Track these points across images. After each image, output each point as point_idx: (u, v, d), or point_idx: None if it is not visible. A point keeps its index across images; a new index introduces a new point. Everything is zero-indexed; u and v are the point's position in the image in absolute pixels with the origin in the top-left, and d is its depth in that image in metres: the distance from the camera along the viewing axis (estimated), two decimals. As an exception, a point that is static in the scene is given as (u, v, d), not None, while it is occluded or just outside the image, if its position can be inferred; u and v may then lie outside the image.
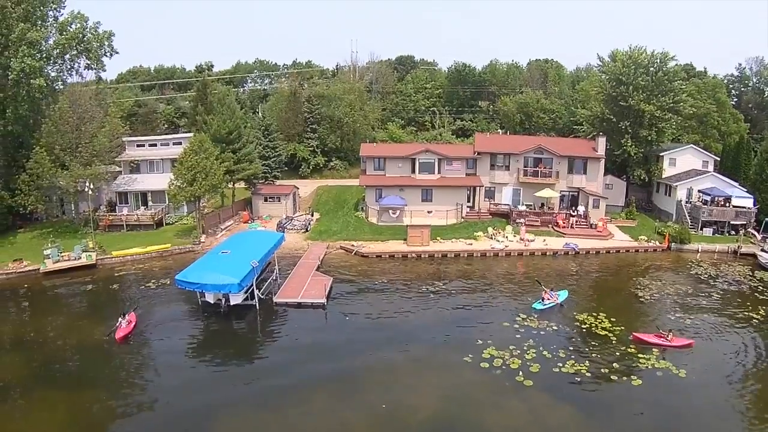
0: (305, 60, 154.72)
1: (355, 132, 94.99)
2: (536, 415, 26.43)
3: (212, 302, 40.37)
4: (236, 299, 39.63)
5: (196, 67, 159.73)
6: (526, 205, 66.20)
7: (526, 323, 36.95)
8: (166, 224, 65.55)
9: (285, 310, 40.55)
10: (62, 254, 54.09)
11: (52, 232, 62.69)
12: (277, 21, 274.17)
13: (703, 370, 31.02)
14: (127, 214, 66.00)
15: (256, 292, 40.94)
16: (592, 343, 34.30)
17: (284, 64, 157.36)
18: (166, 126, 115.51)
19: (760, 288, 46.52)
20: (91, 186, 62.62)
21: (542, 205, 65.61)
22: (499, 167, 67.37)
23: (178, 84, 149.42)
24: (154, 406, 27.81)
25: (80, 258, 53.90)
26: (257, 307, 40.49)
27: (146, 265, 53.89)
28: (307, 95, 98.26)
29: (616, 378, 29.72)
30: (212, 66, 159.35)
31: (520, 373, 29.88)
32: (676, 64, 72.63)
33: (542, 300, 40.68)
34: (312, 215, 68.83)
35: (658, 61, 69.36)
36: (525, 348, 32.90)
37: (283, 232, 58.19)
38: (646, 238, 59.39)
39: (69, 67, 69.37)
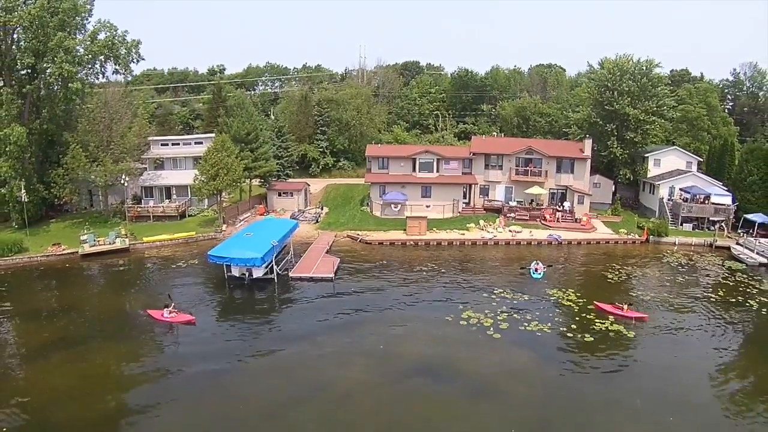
0: (315, 64, 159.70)
1: (362, 134, 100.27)
2: (502, 359, 32.68)
3: (237, 275, 47.08)
4: (258, 272, 46.47)
5: (208, 69, 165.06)
6: (517, 201, 71.78)
7: (502, 295, 43.00)
8: (189, 216, 71.89)
9: (299, 283, 47.06)
10: (97, 240, 60.82)
11: (83, 221, 69.09)
12: (288, 25, 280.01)
13: (650, 333, 36.74)
14: (154, 206, 72.35)
15: (275, 267, 47.68)
16: (557, 310, 40.39)
17: (294, 68, 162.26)
18: (181, 127, 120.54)
19: (725, 274, 51.43)
20: (127, 179, 69.38)
21: (532, 201, 71.11)
22: (493, 167, 73.12)
23: (191, 86, 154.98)
24: (187, 357, 34.37)
25: (115, 243, 60.56)
26: (276, 280, 47.11)
27: (174, 249, 60.64)
28: (317, 99, 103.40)
29: (572, 335, 35.72)
30: (224, 69, 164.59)
31: (492, 329, 36.21)
32: (661, 71, 77.62)
33: (536, 270, 48.43)
34: (322, 209, 74.73)
35: (644, 68, 74.44)
36: (498, 312, 39.12)
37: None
38: (626, 232, 64.37)
39: (97, 71, 76.17)
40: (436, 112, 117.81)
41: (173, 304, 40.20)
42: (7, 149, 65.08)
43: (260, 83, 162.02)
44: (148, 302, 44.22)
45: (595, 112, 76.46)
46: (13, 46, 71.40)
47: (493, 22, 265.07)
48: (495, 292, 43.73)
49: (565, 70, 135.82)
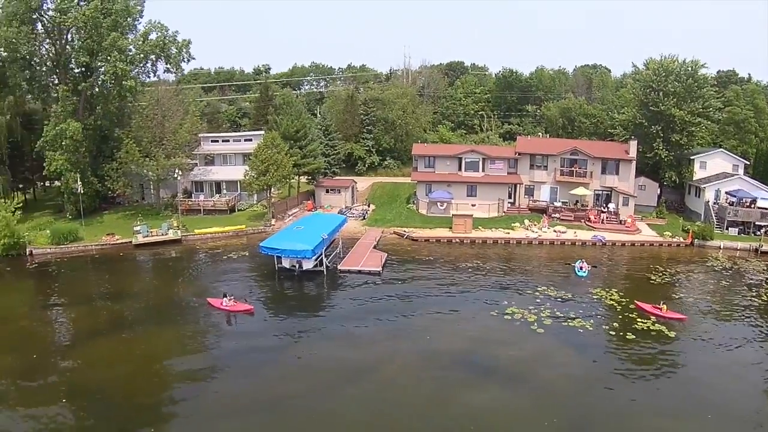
0: (359, 64, 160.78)
1: (407, 133, 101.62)
2: (544, 353, 33.89)
3: (288, 267, 49.12)
4: (308, 264, 48.35)
5: (254, 69, 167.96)
6: (562, 202, 72.13)
7: (546, 293, 43.99)
8: (238, 210, 74.34)
9: (347, 276, 49.01)
10: (150, 231, 64.03)
11: (135, 213, 72.51)
12: (332, 25, 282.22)
13: (690, 335, 37.26)
14: (204, 200, 75.03)
15: (324, 259, 49.76)
16: (600, 309, 41.21)
17: (339, 68, 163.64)
18: (228, 125, 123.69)
19: (769, 280, 50.67)
20: (181, 173, 72.08)
21: (576, 202, 71.44)
22: (538, 167, 73.54)
23: (237, 86, 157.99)
24: (241, 342, 36.68)
25: (167, 234, 63.74)
26: (325, 273, 49.16)
27: (224, 241, 63.50)
28: (363, 98, 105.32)
29: (614, 333, 36.60)
30: (270, 69, 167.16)
31: (535, 324, 37.42)
32: (707, 72, 76.82)
33: (581, 268, 49.43)
34: (368, 206, 76.44)
35: (689, 69, 73.76)
36: (542, 309, 40.24)
37: (344, 217, 66.50)
38: (670, 235, 64.07)
39: (148, 70, 79.25)
40: (481, 113, 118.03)
41: (233, 294, 42.32)
42: (63, 143, 68.58)
43: (305, 83, 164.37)
44: (199, 290, 47.27)
45: (640, 114, 75.96)
46: (68, 46, 75.10)
47: (538, 22, 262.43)
48: (539, 289, 44.78)
49: (610, 71, 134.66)
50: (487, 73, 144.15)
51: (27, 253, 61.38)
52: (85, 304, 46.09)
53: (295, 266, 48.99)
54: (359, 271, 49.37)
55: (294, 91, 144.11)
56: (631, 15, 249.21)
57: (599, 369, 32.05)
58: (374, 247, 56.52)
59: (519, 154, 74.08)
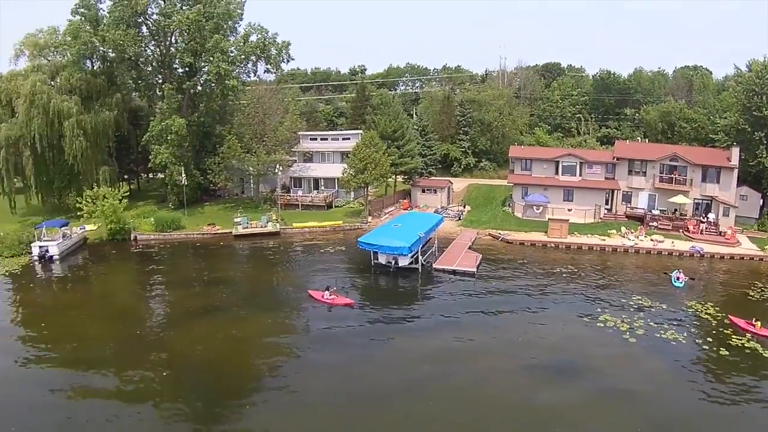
0: (455, 65, 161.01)
1: (503, 135, 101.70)
2: (634, 362, 34.53)
3: (384, 263, 51.51)
4: (404, 261, 50.51)
5: (350, 70, 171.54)
6: (660, 210, 70.75)
7: (640, 302, 44.11)
8: (335, 207, 77.54)
9: (442, 275, 50.96)
10: (250, 222, 68.56)
11: (235, 206, 77.58)
12: (427, 26, 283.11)
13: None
14: (302, 196, 78.82)
15: (420, 258, 51.77)
16: (694, 322, 41.10)
17: (434, 69, 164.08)
18: (325, 124, 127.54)
19: None
20: (281, 169, 75.85)
21: (675, 210, 70.06)
22: (636, 173, 72.33)
23: (333, 86, 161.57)
24: (335, 333, 39.33)
25: (266, 226, 68.01)
26: (420, 270, 51.32)
27: (321, 236, 67.01)
28: (459, 100, 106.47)
29: (707, 347, 36.59)
30: (365, 69, 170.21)
31: (627, 333, 37.93)
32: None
33: (678, 279, 49.11)
34: (464, 207, 77.71)
35: (798, 71, 69.63)
36: (635, 318, 40.58)
37: (439, 217, 68.16)
38: (773, 249, 61.89)
39: (249, 70, 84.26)
40: (578, 115, 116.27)
41: (334, 288, 44.91)
42: (168, 138, 74.10)
43: (401, 83, 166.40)
44: (296, 281, 51.24)
45: (743, 119, 72.41)
46: (172, 47, 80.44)
47: (636, 22, 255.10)
48: (633, 298, 44.94)
49: (711, 73, 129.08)
50: (584, 74, 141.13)
51: (132, 238, 68.31)
52: (184, 287, 51.06)
53: (390, 263, 51.21)
54: (454, 271, 51.05)
55: (390, 92, 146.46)
56: (735, 13, 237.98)
57: (689, 382, 32.28)
58: (469, 248, 58.00)
59: (617, 159, 73.13)
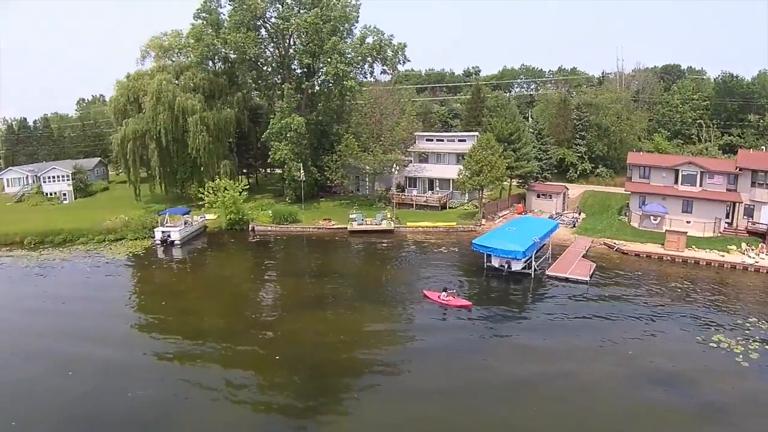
0: (570, 66, 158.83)
1: (621, 141, 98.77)
2: (745, 387, 33.49)
3: (497, 266, 52.48)
4: (516, 266, 51.28)
5: (464, 71, 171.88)
6: (786, 226, 66.82)
7: (757, 325, 42.49)
8: (449, 208, 78.61)
9: (554, 282, 51.47)
10: (365, 219, 71.35)
11: (350, 203, 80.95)
12: (542, 26, 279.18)
13: None
14: (417, 195, 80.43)
15: (533, 263, 52.38)
16: (819, 348, 39.64)
17: (549, 71, 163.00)
18: (439, 125, 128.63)
19: None
20: (397, 168, 77.68)
21: (804, 229, 65.90)
22: (761, 185, 68.25)
23: (447, 87, 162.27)
24: (444, 331, 41.07)
25: (381, 224, 70.63)
26: (532, 276, 52.00)
27: (434, 236, 68.78)
28: (576, 103, 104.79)
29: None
30: (479, 71, 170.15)
31: (741, 356, 36.80)
32: None
33: None
34: (579, 214, 77.00)
35: None
36: (750, 341, 39.25)
37: (554, 223, 68.22)
38: None
39: (365, 71, 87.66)
40: (699, 121, 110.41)
41: (453, 290, 45.80)
42: (287, 135, 78.45)
43: (515, 85, 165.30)
44: (409, 278, 53.78)
45: None
46: (290, 49, 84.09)
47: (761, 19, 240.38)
48: (750, 320, 43.38)
49: None
50: (704, 77, 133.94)
51: (249, 229, 74.41)
52: (297, 277, 55.32)
53: (503, 266, 51.98)
54: (566, 279, 51.38)
55: (505, 93, 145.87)
56: None
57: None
58: (583, 256, 57.96)
59: (740, 169, 69.39)
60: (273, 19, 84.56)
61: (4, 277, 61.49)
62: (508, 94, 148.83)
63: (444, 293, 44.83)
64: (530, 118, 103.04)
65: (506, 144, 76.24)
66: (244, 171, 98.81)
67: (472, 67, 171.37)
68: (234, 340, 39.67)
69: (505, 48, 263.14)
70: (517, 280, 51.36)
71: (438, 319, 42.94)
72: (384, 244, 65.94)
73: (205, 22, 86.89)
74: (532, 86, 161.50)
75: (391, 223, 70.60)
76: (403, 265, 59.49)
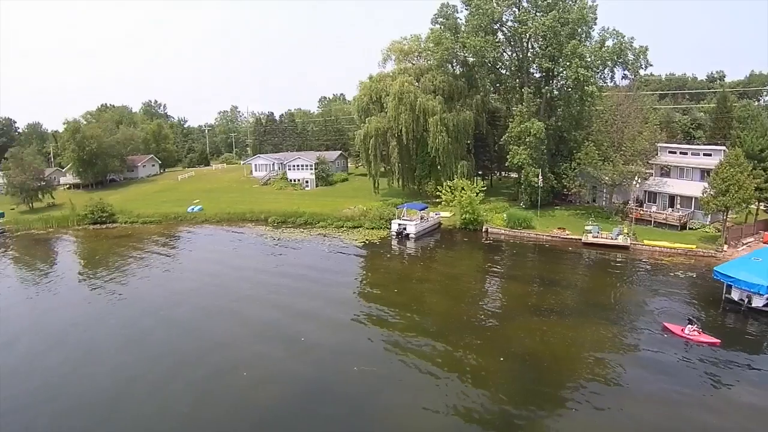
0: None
1: None
2: None
3: (735, 299, 47.17)
4: (758, 302, 45.51)
5: (707, 76, 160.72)
6: None
7: None
8: (689, 228, 73.22)
9: None
10: (600, 232, 69.28)
11: (585, 213, 79.08)
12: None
13: None
14: (656, 212, 76.36)
15: None
16: None
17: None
18: (681, 136, 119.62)
19: None
20: (638, 181, 74.72)
21: None
22: None
23: (689, 94, 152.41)
24: (666, 361, 37.35)
25: (616, 239, 68.05)
26: None
27: (671, 258, 64.24)
28: None
29: None
30: (724, 76, 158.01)
31: None
32: None
33: None
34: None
35: None
36: None
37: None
38: None
39: (605, 76, 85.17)
40: None
41: (697, 325, 41.17)
42: (526, 140, 78.49)
43: (765, 93, 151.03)
44: (638, 299, 51.28)
45: None
46: (528, 53, 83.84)
47: None
48: None
49: None
50: None
51: (483, 230, 75.79)
52: (524, 283, 55.99)
53: (743, 300, 46.69)
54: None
55: (754, 102, 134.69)
56: None
57: None
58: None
59: None
60: (509, 23, 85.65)
61: (251, 249, 74.66)
62: (756, 103, 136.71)
63: (689, 326, 40.71)
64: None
65: (756, 162, 68.60)
66: (480, 173, 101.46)
67: (716, 72, 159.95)
68: (454, 336, 41.90)
69: (752, 50, 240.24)
70: (756, 317, 45.14)
71: (660, 347, 39.37)
72: (617, 260, 63.47)
73: (442, 26, 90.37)
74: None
75: (627, 238, 67.71)
76: (635, 286, 56.35)
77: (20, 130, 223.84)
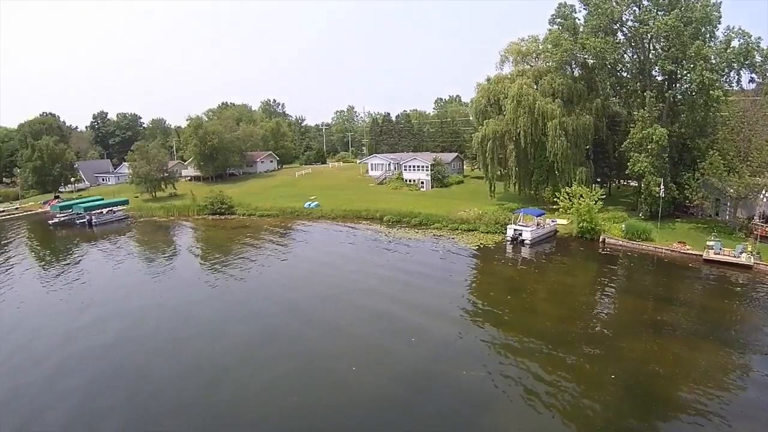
0: None
1: None
2: None
3: None
4: None
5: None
6: None
7: None
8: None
9: None
10: (723, 249, 64.76)
11: (707, 228, 74.54)
12: None
13: None
14: (784, 231, 71.45)
15: None
16: None
17: None
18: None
19: None
20: (766, 195, 70.67)
21: None
22: None
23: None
24: None
25: (739, 257, 63.03)
26: None
27: None
28: None
29: None
30: None
31: None
32: None
33: None
34: None
35: None
36: None
37: None
38: None
39: (731, 79, 79.57)
40: None
41: None
42: (648, 147, 75.30)
43: None
44: (762, 324, 47.10)
45: None
46: (650, 54, 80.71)
47: None
48: None
49: None
50: None
51: (600, 240, 73.62)
52: (640, 298, 53.97)
53: None
54: None
55: None
56: None
57: None
58: None
59: None
60: (630, 23, 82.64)
61: (365, 245, 77.32)
62: None
63: None
64: None
65: None
66: (598, 180, 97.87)
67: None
68: (563, 348, 41.23)
69: None
70: None
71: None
72: (739, 280, 59.10)
73: (561, 27, 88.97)
74: None
75: (751, 257, 62.61)
76: (756, 309, 51.85)
77: (145, 125, 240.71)
